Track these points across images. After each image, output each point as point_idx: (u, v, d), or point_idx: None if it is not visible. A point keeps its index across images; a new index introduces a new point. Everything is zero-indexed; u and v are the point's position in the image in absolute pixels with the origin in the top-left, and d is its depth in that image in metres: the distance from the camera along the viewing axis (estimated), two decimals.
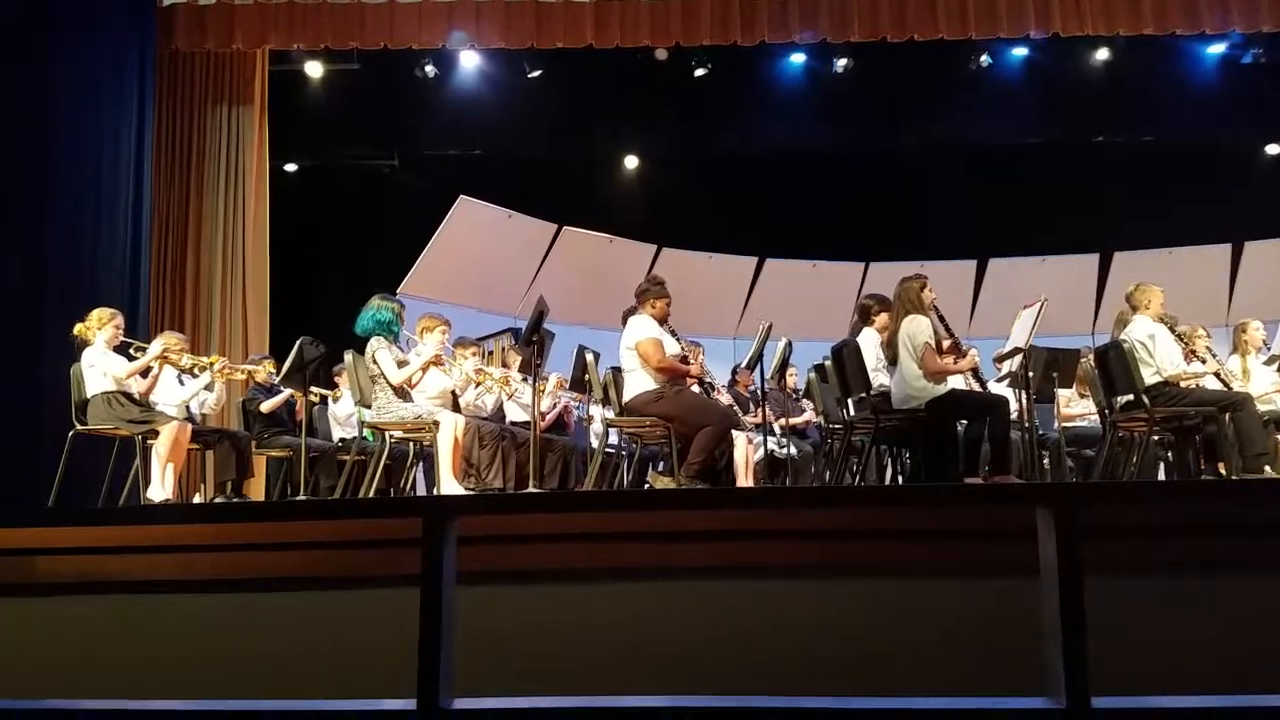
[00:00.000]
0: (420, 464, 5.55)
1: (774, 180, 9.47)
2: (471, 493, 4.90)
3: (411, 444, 5.21)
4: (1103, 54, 8.72)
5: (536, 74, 8.51)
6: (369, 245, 8.83)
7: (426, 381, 5.11)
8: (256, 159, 7.91)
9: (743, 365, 6.71)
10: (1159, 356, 5.27)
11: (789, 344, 6.50)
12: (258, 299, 7.74)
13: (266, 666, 2.69)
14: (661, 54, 8.36)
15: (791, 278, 9.69)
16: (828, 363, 5.72)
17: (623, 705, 1.67)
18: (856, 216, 9.58)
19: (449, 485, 4.61)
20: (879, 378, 5.29)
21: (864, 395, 5.25)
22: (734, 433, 5.28)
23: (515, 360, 6.45)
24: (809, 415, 7.13)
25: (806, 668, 2.60)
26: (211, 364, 5.54)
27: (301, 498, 5.15)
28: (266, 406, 6.06)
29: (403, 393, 4.86)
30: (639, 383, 4.91)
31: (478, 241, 8.66)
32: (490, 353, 7.10)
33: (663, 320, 5.05)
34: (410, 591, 1.78)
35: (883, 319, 5.38)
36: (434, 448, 4.73)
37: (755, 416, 6.45)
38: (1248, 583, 2.54)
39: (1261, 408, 5.51)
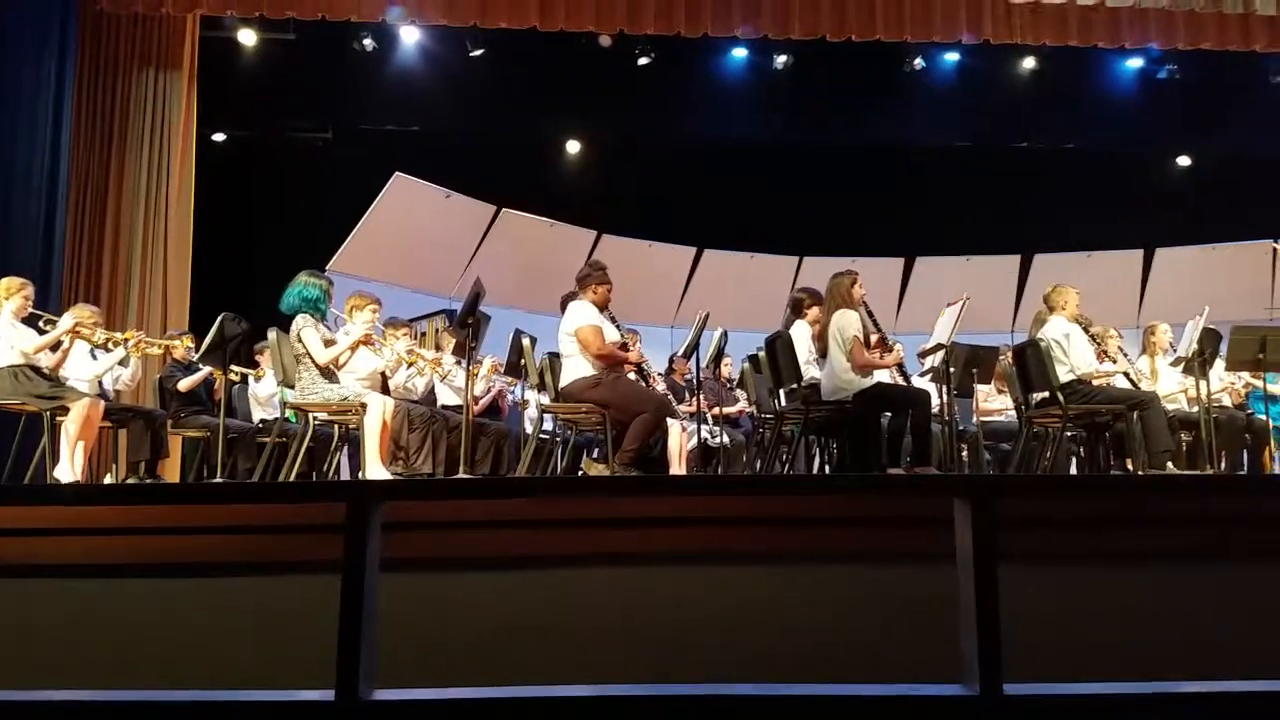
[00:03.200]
0: (345, 448, 5.45)
1: (714, 172, 9.53)
2: (399, 477, 4.84)
3: (336, 427, 5.10)
4: (1030, 62, 9.00)
5: (479, 53, 8.40)
6: (299, 220, 8.61)
7: (355, 362, 5.01)
8: (183, 126, 7.64)
9: (679, 354, 6.75)
10: (1073, 355, 5.48)
11: (725, 334, 6.57)
12: (179, 272, 7.50)
13: (178, 655, 2.61)
14: (605, 40, 8.33)
15: (729, 269, 9.78)
16: (761, 353, 5.80)
17: (550, 696, 1.67)
18: (792, 211, 9.72)
19: (375, 469, 4.53)
20: (810, 370, 5.38)
21: (795, 386, 5.34)
22: (669, 421, 5.32)
23: (449, 343, 6.37)
24: (742, 405, 7.21)
25: (734, 654, 2.64)
26: (127, 339, 5.35)
27: (218, 480, 5.01)
28: (184, 385, 5.88)
29: (329, 373, 4.75)
30: (576, 369, 4.90)
31: (413, 220, 8.52)
32: (423, 334, 7.01)
33: (603, 307, 5.04)
34: (333, 579, 1.75)
35: (814, 312, 5.49)
36: (360, 431, 4.64)
37: (690, 405, 6.50)
38: (1151, 573, 2.66)
39: (1167, 407, 5.77)
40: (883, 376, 5.32)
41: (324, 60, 8.43)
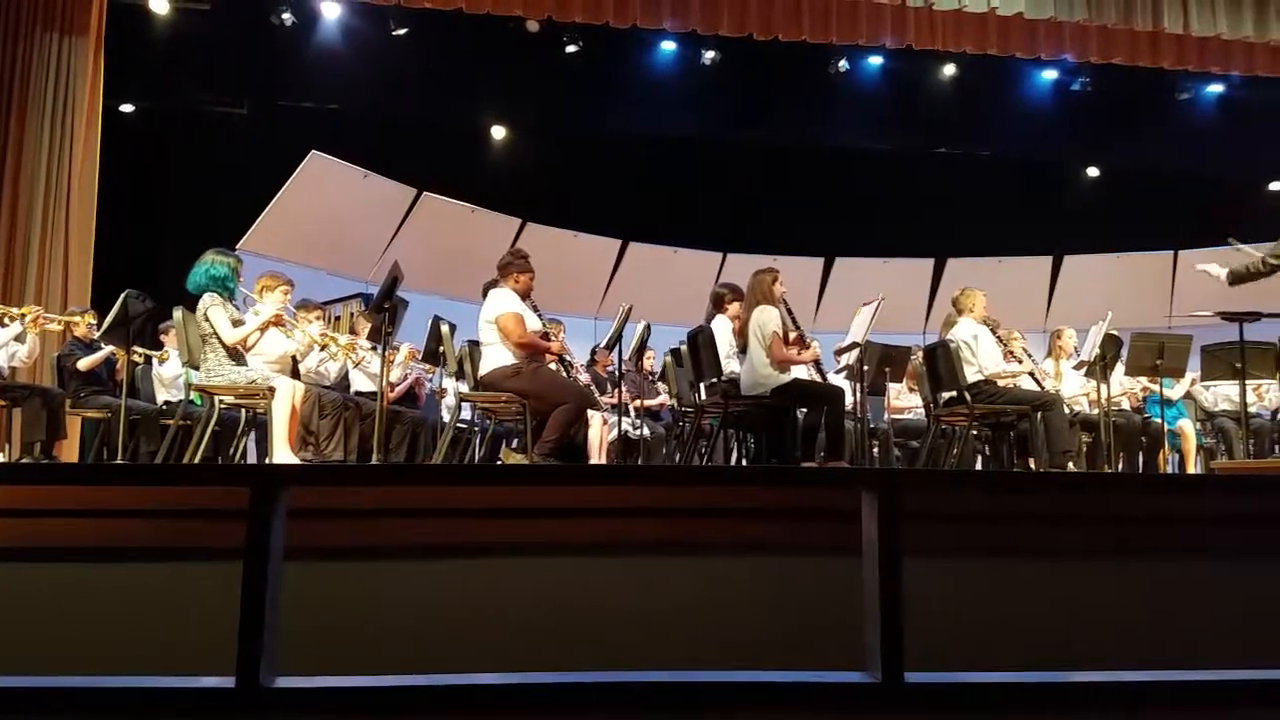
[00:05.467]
0: (252, 432, 5.28)
1: (640, 164, 9.55)
2: (307, 463, 4.71)
3: (243, 410, 4.94)
4: (950, 69, 9.23)
5: (402, 32, 8.23)
6: (209, 196, 8.30)
7: (265, 344, 4.86)
8: (89, 95, 7.29)
9: (602, 345, 6.74)
10: (981, 356, 5.66)
11: (648, 327, 6.59)
12: (81, 246, 7.16)
13: (73, 641, 2.51)
14: (533, 26, 8.25)
15: (653, 262, 9.80)
16: (683, 347, 5.83)
17: (456, 684, 1.65)
18: (717, 207, 9.80)
19: (283, 455, 4.40)
20: (730, 364, 5.44)
21: (715, 380, 5.38)
22: (590, 412, 5.30)
23: (364, 328, 6.23)
24: (663, 398, 7.24)
25: (647, 643, 2.65)
26: (24, 314, 5.10)
27: (118, 463, 4.81)
28: (84, 364, 5.62)
29: (236, 355, 4.59)
30: (497, 357, 4.83)
31: (329, 200, 8.29)
32: (337, 318, 6.82)
33: (525, 295, 4.99)
34: (237, 565, 1.70)
35: (735, 308, 5.54)
36: (268, 415, 4.50)
37: (612, 397, 6.50)
38: (1050, 567, 2.76)
39: (1069, 409, 6.01)
40: (800, 373, 5.42)
41: (240, 33, 8.15)
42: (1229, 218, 9.15)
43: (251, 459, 5.46)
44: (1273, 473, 5.03)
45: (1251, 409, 6.82)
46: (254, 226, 7.89)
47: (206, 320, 4.54)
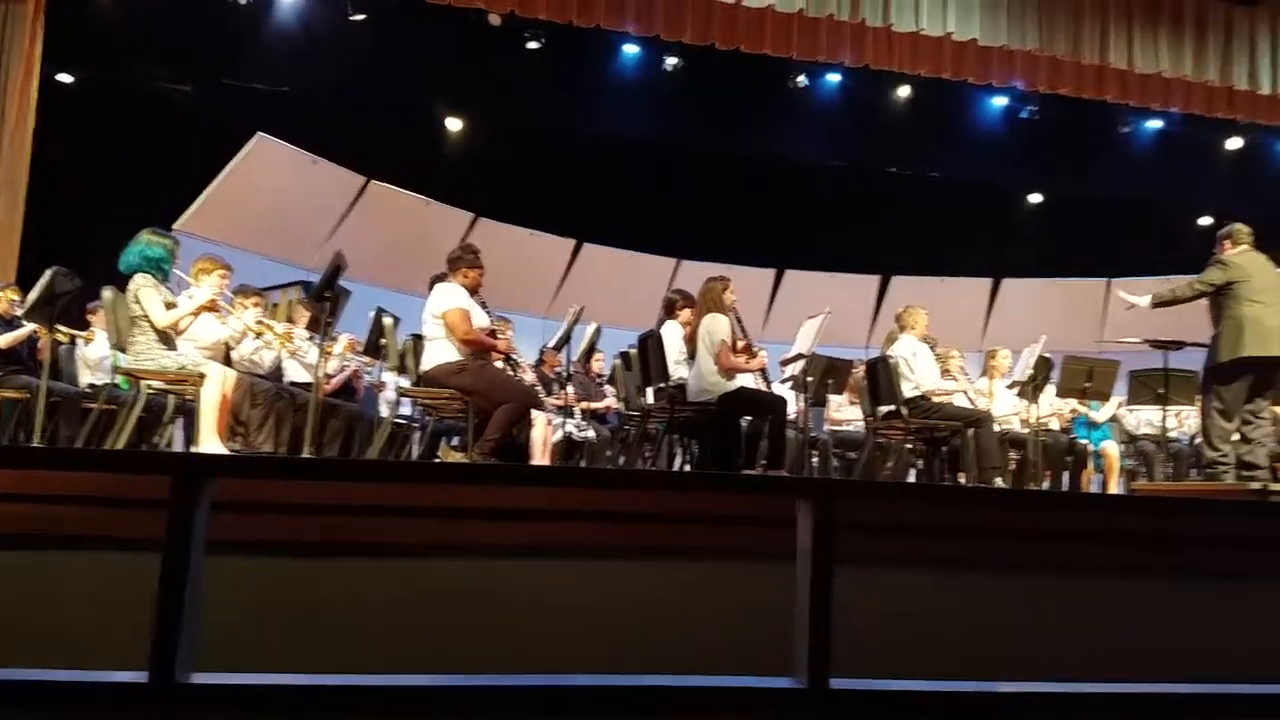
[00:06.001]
0: (180, 420, 5.13)
1: (599, 165, 9.52)
2: (235, 454, 4.60)
3: (172, 397, 4.79)
4: (905, 91, 9.39)
5: (360, 17, 8.09)
6: (149, 174, 8.03)
7: (198, 329, 4.73)
8: (25, 62, 7.03)
9: (550, 346, 6.70)
10: (919, 373, 5.78)
11: (598, 329, 6.57)
12: (8, 218, 6.89)
13: None
14: (495, 19, 8.18)
15: (607, 264, 9.79)
16: (633, 351, 5.83)
17: (377, 685, 1.61)
18: (673, 213, 9.82)
19: (210, 444, 4.28)
20: (678, 370, 5.45)
21: (663, 385, 5.39)
22: (534, 412, 5.26)
23: (303, 317, 6.10)
24: (610, 401, 7.23)
25: (579, 647, 2.63)
26: None
27: (35, 445, 4.63)
28: (3, 341, 5.40)
29: (167, 339, 4.45)
30: (441, 353, 4.76)
31: (274, 184, 8.11)
32: (275, 305, 6.67)
33: (473, 291, 4.92)
34: (157, 557, 1.65)
35: (686, 314, 5.57)
36: (197, 402, 4.37)
37: (558, 398, 6.46)
38: (975, 579, 2.82)
39: (1000, 427, 6.15)
40: (746, 381, 5.46)
41: (190, 8, 7.93)
42: (1161, 249, 9.50)
43: (178, 448, 5.31)
44: (1187, 495, 5.22)
45: (1172, 434, 7.05)
46: (193, 207, 7.69)
47: (137, 302, 4.40)
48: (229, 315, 4.95)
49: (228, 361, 4.95)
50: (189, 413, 4.83)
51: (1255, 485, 4.76)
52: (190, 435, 4.92)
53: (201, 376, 4.32)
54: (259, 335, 5.26)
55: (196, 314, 4.58)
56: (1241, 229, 5.29)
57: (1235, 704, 1.81)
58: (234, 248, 7.29)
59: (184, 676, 1.58)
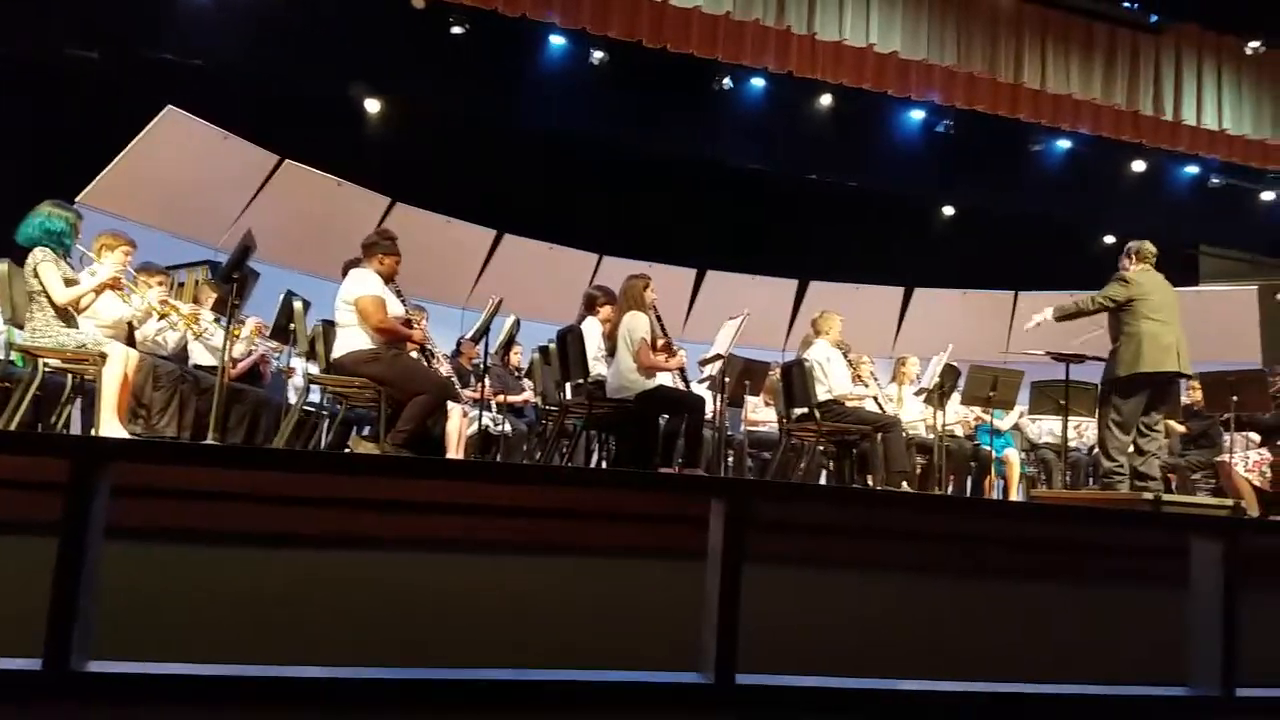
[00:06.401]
0: (79, 400, 4.91)
1: (521, 156, 9.44)
2: (136, 437, 4.42)
3: (70, 376, 4.59)
4: (827, 99, 9.56)
5: None
6: (51, 144, 7.65)
7: (99, 307, 4.53)
8: None
9: (468, 337, 6.63)
10: (832, 378, 5.93)
11: (517, 321, 6.53)
12: None
13: None
14: (418, 2, 8.04)
15: (528, 257, 9.71)
16: (552, 345, 5.81)
17: (278, 676, 1.58)
18: (596, 208, 9.80)
19: (110, 426, 4.12)
20: (597, 367, 5.46)
21: (581, 381, 5.39)
22: (450, 404, 5.20)
23: (209, 297, 5.88)
24: (528, 395, 7.18)
25: (489, 641, 2.62)
26: None
27: None
28: None
29: (67, 315, 4.26)
30: (353, 340, 4.67)
31: (182, 159, 7.80)
32: (180, 285, 6.41)
33: (389, 279, 4.83)
34: (53, 542, 1.58)
35: (606, 311, 5.58)
36: (97, 383, 4.20)
37: (475, 390, 6.39)
38: (879, 578, 2.91)
39: (908, 432, 6.35)
40: (665, 380, 5.50)
41: None
42: (1067, 265, 9.91)
43: (76, 429, 5.08)
44: (1084, 504, 5.46)
45: (1072, 444, 7.36)
46: (97, 180, 7.35)
47: (36, 277, 4.20)
48: (132, 294, 4.76)
49: (130, 341, 4.75)
50: (88, 393, 4.63)
51: (1148, 495, 4.96)
52: (89, 416, 4.72)
53: (103, 356, 4.15)
54: (163, 316, 5.07)
55: (99, 292, 4.39)
56: (1148, 246, 5.52)
57: (1124, 705, 1.91)
58: (139, 224, 7.00)
59: (80, 665, 1.53)
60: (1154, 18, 8.80)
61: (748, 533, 1.67)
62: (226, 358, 4.62)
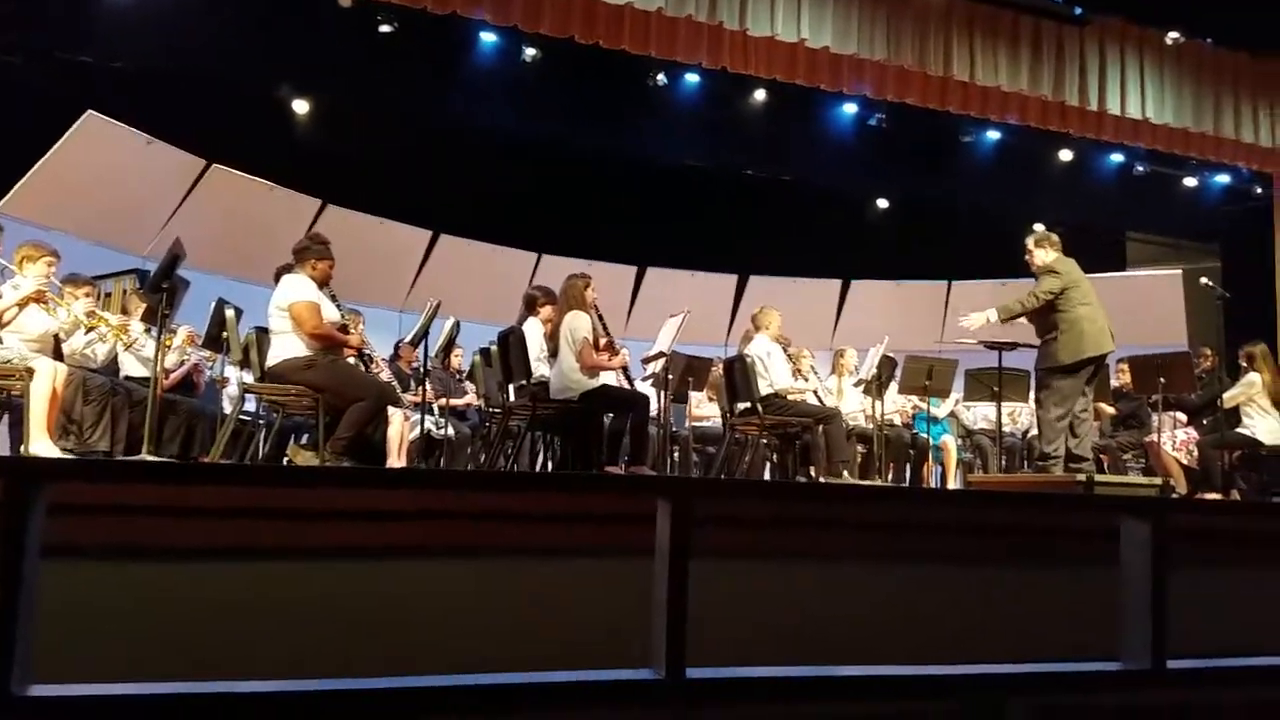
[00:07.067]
0: (5, 416, 4.77)
1: (454, 156, 9.34)
2: (70, 455, 4.30)
3: None
4: (761, 95, 9.66)
5: None
6: None
7: (24, 321, 4.39)
8: None
9: (407, 340, 6.56)
10: (773, 372, 6.02)
11: (457, 324, 6.48)
12: None
13: None
14: (345, 1, 7.92)
15: (466, 257, 9.61)
16: (493, 347, 5.79)
17: (226, 691, 1.57)
18: (532, 207, 9.76)
19: (41, 444, 4.01)
20: (540, 367, 5.46)
21: (525, 383, 5.39)
22: (390, 409, 5.15)
23: (138, 308, 5.74)
24: (470, 398, 7.14)
25: (436, 646, 2.62)
26: None
27: None
28: None
29: None
30: (288, 347, 4.59)
31: (105, 166, 7.55)
32: (108, 295, 6.22)
33: (323, 283, 4.76)
34: None
35: (547, 311, 5.58)
36: (24, 399, 4.08)
37: (416, 394, 6.34)
38: (826, 569, 2.97)
39: (848, 423, 6.47)
40: (609, 379, 5.52)
41: None
42: (999, 255, 10.16)
43: (3, 447, 4.92)
44: (1020, 487, 5.63)
45: (1005, 429, 7.57)
46: (16, 188, 7.09)
47: None
48: (57, 306, 4.62)
49: (58, 355, 4.62)
50: (15, 409, 4.49)
51: (1081, 477, 5.08)
52: (16, 433, 4.58)
53: (30, 371, 4.04)
54: (91, 328, 4.93)
55: (22, 305, 4.28)
56: (1052, 234, 5.66)
57: (1057, 680, 1.97)
58: (61, 233, 6.77)
59: (21, 690, 1.50)
60: (1079, 10, 9.05)
61: (694, 530, 1.70)
62: (159, 369, 4.51)
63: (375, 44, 8.35)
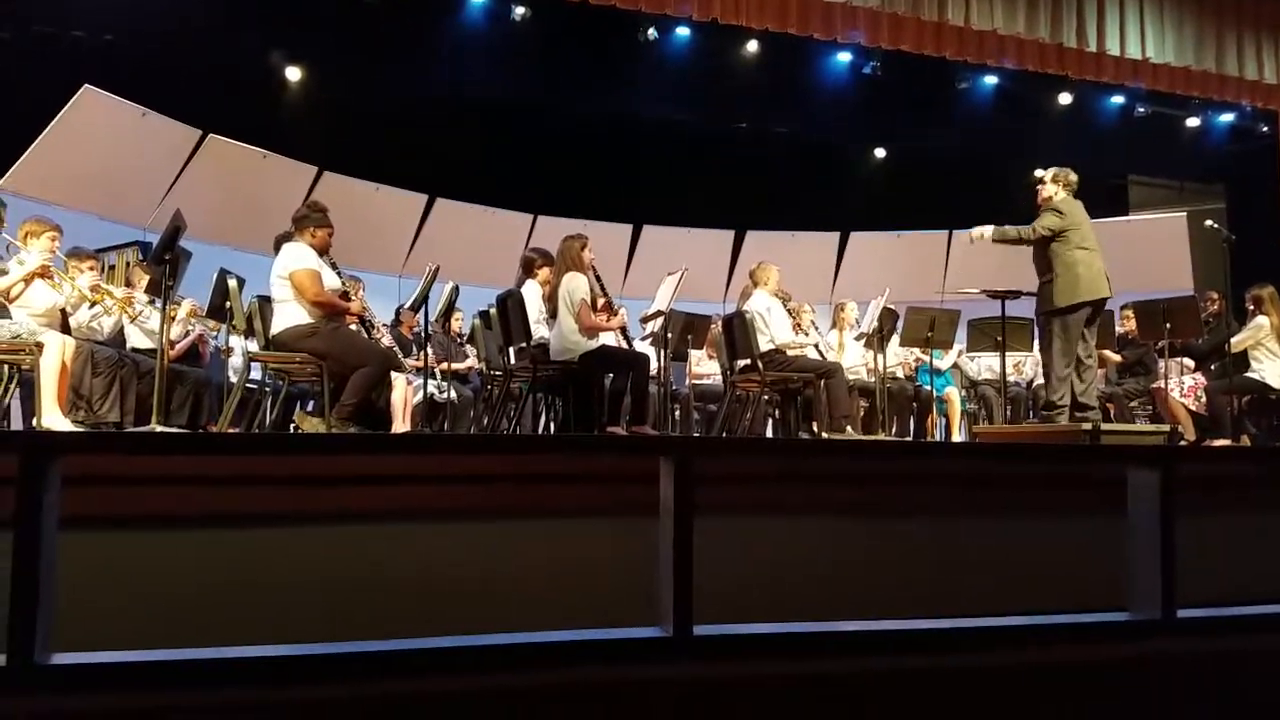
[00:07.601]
0: (17, 391, 4.81)
1: (447, 118, 9.27)
2: (81, 428, 4.35)
3: (6, 367, 4.48)
4: (753, 46, 9.53)
5: None
6: None
7: (31, 296, 4.42)
8: None
9: (407, 306, 6.58)
10: (773, 327, 6.02)
11: (456, 288, 6.48)
12: None
13: None
14: None
15: (463, 221, 9.58)
16: (493, 310, 5.80)
17: (236, 656, 1.61)
18: (528, 168, 9.70)
19: (52, 418, 4.05)
20: (539, 329, 5.48)
21: (525, 345, 5.41)
22: (393, 374, 5.18)
23: (142, 280, 5.75)
24: (471, 361, 7.16)
25: (447, 609, 2.67)
26: None
27: None
28: None
29: None
30: (291, 315, 4.61)
31: (104, 140, 7.53)
32: (112, 268, 6.23)
33: (323, 251, 4.77)
34: (7, 536, 1.58)
35: (545, 273, 5.58)
36: (34, 373, 4.12)
37: (417, 359, 6.36)
38: (831, 524, 3.01)
39: (849, 377, 6.48)
40: (608, 339, 5.54)
41: None
42: (999, 201, 10.08)
43: (15, 420, 4.97)
44: (1025, 438, 5.63)
45: (1010, 379, 7.58)
46: (17, 165, 7.07)
47: None
48: (63, 281, 4.64)
49: (65, 329, 4.65)
50: (25, 383, 4.54)
51: (1087, 426, 5.05)
52: (28, 406, 4.62)
53: (39, 345, 4.08)
54: (96, 301, 4.95)
55: (29, 281, 4.30)
56: (1072, 175, 5.55)
57: (1066, 632, 1.98)
58: (63, 207, 6.78)
59: (44, 658, 1.55)
60: None
61: (697, 488, 1.73)
62: (164, 340, 4.54)
63: (365, 8, 8.26)
